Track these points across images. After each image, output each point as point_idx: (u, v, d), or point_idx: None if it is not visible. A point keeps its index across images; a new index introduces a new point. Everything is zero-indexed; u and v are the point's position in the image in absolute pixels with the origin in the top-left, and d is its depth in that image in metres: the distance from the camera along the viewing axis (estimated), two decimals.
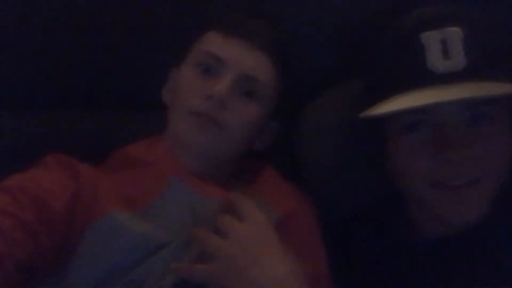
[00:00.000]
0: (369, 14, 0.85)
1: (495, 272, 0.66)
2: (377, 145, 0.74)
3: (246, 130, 0.78)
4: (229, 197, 0.71)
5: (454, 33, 0.64)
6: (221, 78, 0.75)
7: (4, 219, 0.62)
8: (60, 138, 0.87)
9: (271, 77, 0.79)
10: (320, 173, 0.82)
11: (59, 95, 0.91)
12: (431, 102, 0.61)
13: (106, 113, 0.91)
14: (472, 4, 0.70)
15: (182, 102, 0.77)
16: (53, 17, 0.88)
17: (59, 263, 0.68)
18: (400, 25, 0.70)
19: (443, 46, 0.64)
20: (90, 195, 0.71)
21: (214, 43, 0.78)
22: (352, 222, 0.81)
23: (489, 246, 0.68)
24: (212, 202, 0.74)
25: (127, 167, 0.78)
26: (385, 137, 0.72)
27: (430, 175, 0.66)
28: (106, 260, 0.69)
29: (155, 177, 0.76)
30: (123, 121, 0.90)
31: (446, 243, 0.70)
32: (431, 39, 0.65)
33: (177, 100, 0.79)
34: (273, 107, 0.81)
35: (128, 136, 0.84)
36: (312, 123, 0.84)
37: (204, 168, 0.78)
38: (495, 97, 0.62)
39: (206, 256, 0.67)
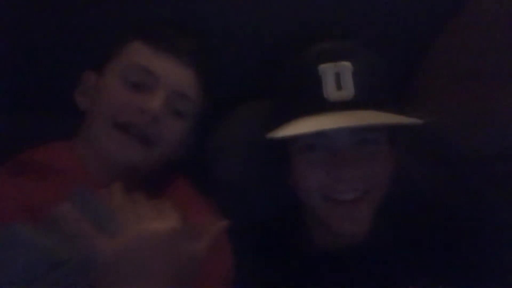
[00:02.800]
0: (283, 36, 0.91)
1: (383, 278, 0.76)
2: (281, 160, 0.81)
3: (171, 146, 0.79)
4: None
5: (346, 67, 0.73)
6: (153, 94, 0.74)
7: None
8: None
9: (198, 95, 0.80)
10: (227, 184, 0.88)
11: None
12: (321, 128, 0.69)
13: (15, 114, 0.88)
14: (361, 42, 0.79)
15: (107, 112, 0.75)
16: None
17: None
18: (302, 55, 0.78)
19: (336, 78, 0.73)
20: None
21: (143, 56, 0.77)
22: (256, 232, 0.86)
23: (375, 255, 0.77)
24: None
25: (32, 172, 0.75)
26: (288, 155, 0.79)
27: (323, 189, 0.75)
28: (5, 274, 0.65)
29: (60, 185, 0.72)
30: (31, 122, 0.88)
31: (337, 254, 0.79)
32: (327, 71, 0.73)
33: (101, 110, 0.76)
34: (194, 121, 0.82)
35: (35, 137, 0.80)
36: (223, 137, 0.89)
37: (115, 179, 0.72)
38: (376, 125, 0.71)
39: None
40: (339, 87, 0.73)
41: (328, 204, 0.75)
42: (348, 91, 0.73)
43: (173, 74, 0.77)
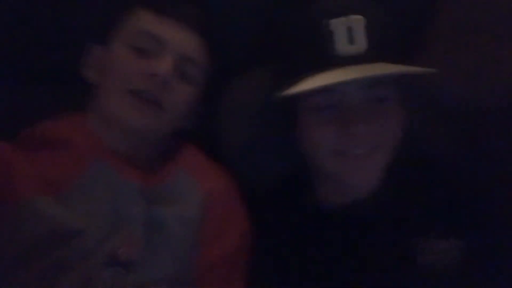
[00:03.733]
0: None
1: (391, 232, 0.76)
2: (289, 122, 0.80)
3: (182, 112, 0.79)
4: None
5: (358, 20, 0.71)
6: (160, 58, 0.75)
7: None
8: None
9: (204, 59, 0.80)
10: (237, 149, 0.87)
11: None
12: (332, 82, 0.68)
13: (26, 86, 0.88)
14: None
15: (118, 81, 0.75)
16: None
17: None
18: (309, 11, 0.76)
19: (348, 32, 0.71)
20: (6, 176, 0.70)
21: (149, 22, 0.77)
22: (265, 194, 0.86)
23: (383, 211, 0.77)
24: (134, 186, 0.74)
25: (46, 146, 0.75)
26: (297, 115, 0.78)
27: (334, 145, 0.74)
28: (21, 244, 0.68)
29: (75, 158, 0.74)
30: (39, 95, 0.87)
31: (346, 209, 0.79)
32: (338, 25, 0.71)
33: (111, 79, 0.76)
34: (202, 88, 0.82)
35: (44, 110, 0.80)
36: (231, 103, 0.88)
37: (129, 148, 0.78)
38: (385, 75, 0.70)
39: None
40: (350, 41, 0.71)
41: (338, 159, 0.74)
42: (360, 45, 0.71)
43: (179, 38, 0.77)
